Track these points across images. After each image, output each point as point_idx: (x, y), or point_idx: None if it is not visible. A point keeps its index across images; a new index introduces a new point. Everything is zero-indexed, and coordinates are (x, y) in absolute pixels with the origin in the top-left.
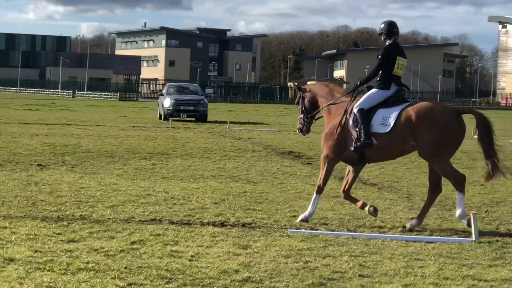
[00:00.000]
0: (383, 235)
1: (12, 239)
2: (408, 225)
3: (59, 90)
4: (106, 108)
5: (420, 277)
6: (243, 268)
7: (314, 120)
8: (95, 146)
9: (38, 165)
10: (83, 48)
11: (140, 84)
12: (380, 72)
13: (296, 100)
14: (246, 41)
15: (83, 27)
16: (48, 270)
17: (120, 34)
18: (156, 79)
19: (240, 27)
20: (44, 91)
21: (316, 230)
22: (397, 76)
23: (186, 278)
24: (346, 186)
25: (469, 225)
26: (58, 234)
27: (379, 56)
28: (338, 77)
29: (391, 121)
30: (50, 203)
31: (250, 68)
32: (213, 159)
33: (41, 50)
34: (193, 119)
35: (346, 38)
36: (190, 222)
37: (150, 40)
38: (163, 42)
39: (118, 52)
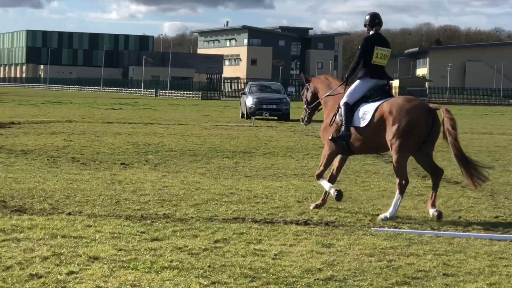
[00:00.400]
0: (467, 233)
1: (97, 238)
2: (431, 215)
3: (142, 89)
4: (189, 107)
5: (505, 276)
6: (326, 266)
7: (316, 111)
8: (178, 145)
9: (122, 164)
10: (166, 47)
11: (222, 83)
12: (362, 62)
13: (302, 91)
14: (328, 40)
15: (165, 26)
16: (132, 269)
17: (202, 33)
18: (238, 78)
19: (322, 25)
20: (127, 90)
21: (400, 228)
22: (378, 65)
23: (270, 276)
24: (333, 172)
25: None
26: (142, 232)
27: (359, 47)
28: (421, 75)
29: (369, 116)
30: (133, 202)
31: (332, 66)
32: (295, 157)
33: (124, 50)
34: (276, 117)
35: (429, 35)
36: (273, 220)
37: (232, 39)
38: (245, 40)
39: (200, 51)
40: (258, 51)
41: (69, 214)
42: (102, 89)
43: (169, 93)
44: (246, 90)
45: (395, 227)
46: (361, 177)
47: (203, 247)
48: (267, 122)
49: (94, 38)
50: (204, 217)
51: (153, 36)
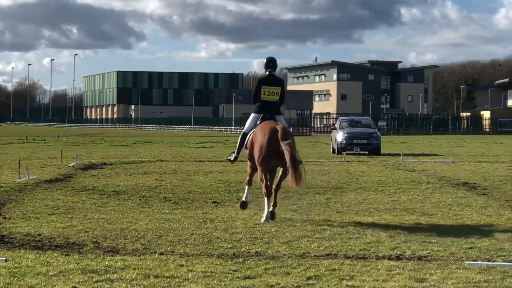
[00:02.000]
0: None
1: (189, 277)
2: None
3: (232, 127)
4: None
5: None
6: None
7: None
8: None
9: (213, 202)
10: (248, 85)
11: (312, 119)
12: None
13: None
14: (417, 73)
15: (255, 64)
16: None
17: (292, 69)
18: (328, 113)
19: (411, 58)
20: (217, 128)
21: (494, 261)
22: (267, 101)
23: None
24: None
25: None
26: (234, 271)
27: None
28: None
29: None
30: (225, 240)
31: (422, 99)
32: (387, 192)
33: (214, 88)
34: (367, 152)
35: None
36: (366, 256)
37: (322, 74)
38: (335, 76)
39: (290, 87)
40: (348, 86)
41: (162, 253)
42: (193, 127)
43: None
44: (337, 125)
45: (489, 260)
46: (453, 210)
47: (296, 284)
48: (358, 157)
49: (184, 77)
50: (296, 254)
51: (242, 74)
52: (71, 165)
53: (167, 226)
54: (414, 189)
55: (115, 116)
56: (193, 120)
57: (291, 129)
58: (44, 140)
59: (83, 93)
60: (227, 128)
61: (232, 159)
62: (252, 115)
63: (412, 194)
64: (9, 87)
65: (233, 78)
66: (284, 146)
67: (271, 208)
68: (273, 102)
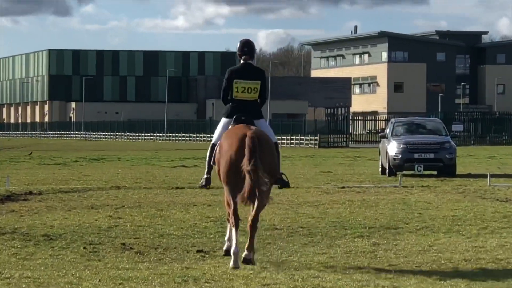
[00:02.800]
0: None
1: None
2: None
3: None
4: (300, 159)
5: None
6: None
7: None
8: (284, 219)
9: (198, 251)
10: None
11: (350, 121)
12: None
13: None
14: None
15: (261, 37)
16: None
17: (318, 45)
18: (375, 113)
19: (502, 27)
20: (204, 136)
21: None
22: (242, 101)
23: None
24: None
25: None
26: None
27: None
28: None
29: None
30: None
31: None
32: (466, 234)
33: (198, 75)
34: (434, 172)
35: None
36: None
37: (365, 53)
38: (384, 55)
39: (315, 73)
40: (405, 71)
41: None
42: (166, 136)
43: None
44: (388, 131)
45: None
46: None
47: None
48: (421, 180)
49: (152, 59)
50: None
51: None
52: None
53: None
54: (509, 229)
55: (46, 119)
56: (166, 124)
57: (317, 138)
58: None
59: None
60: None
61: (204, 183)
62: (222, 120)
63: (505, 237)
64: None
65: (227, 60)
66: (245, 170)
67: (245, 252)
68: (250, 102)
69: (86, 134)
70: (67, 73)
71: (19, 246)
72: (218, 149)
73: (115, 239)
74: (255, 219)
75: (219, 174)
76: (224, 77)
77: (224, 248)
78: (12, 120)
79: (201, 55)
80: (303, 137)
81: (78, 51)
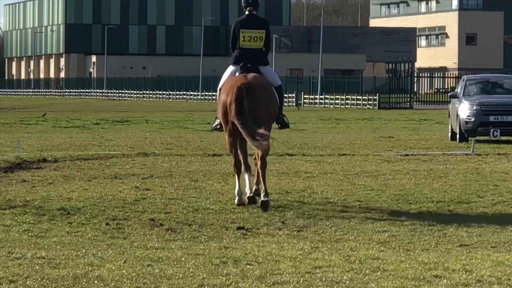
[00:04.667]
0: None
1: None
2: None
3: None
4: (357, 122)
5: None
6: None
7: None
8: (339, 191)
9: (238, 228)
10: (313, 18)
11: (415, 79)
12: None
13: None
14: None
15: None
16: None
17: None
18: (443, 69)
19: None
20: None
21: None
22: (247, 49)
23: None
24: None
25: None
26: None
27: None
28: None
29: None
30: None
31: None
32: None
33: None
34: None
35: None
36: None
37: None
38: (455, 1)
39: (374, 22)
40: (478, 20)
41: None
42: (201, 95)
43: (320, 98)
44: (459, 90)
45: None
46: None
47: None
48: (497, 147)
49: (185, 5)
50: None
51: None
52: None
53: (156, 271)
54: None
55: (62, 75)
56: (201, 81)
57: (376, 98)
58: None
59: (4, 35)
60: None
61: (218, 126)
62: (230, 67)
63: None
64: None
65: (273, 7)
66: (233, 120)
67: (262, 196)
68: (256, 50)
69: (108, 92)
70: (86, 21)
71: (31, 221)
72: (218, 96)
73: (142, 214)
74: (264, 161)
75: (223, 124)
76: (231, 27)
77: (242, 190)
78: (22, 76)
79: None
80: (360, 97)
81: None
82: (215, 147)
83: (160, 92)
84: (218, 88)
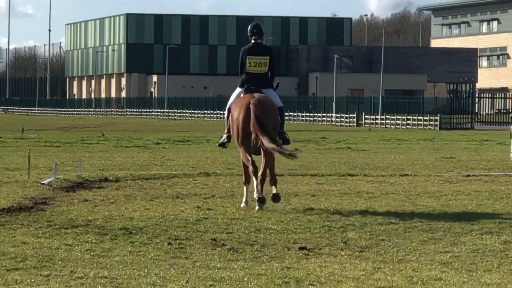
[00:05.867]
0: None
1: None
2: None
3: (333, 114)
4: (418, 143)
5: None
6: None
7: None
8: (401, 212)
9: (300, 248)
10: (373, 38)
11: (476, 100)
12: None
13: None
14: None
15: (371, 2)
16: None
17: (438, 10)
18: (505, 90)
19: None
20: (306, 115)
21: None
22: (254, 73)
23: None
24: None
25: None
26: None
27: None
28: None
29: None
30: None
31: None
32: None
33: (299, 44)
34: None
35: None
36: None
37: (493, 19)
38: None
39: (435, 42)
40: None
41: None
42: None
43: (380, 119)
44: None
45: None
46: None
47: None
48: None
49: (246, 25)
50: None
51: (350, 19)
52: (45, 182)
53: None
54: None
55: (123, 94)
56: None
57: (437, 119)
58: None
59: (65, 54)
60: (325, 116)
61: (225, 140)
62: (237, 89)
63: None
64: None
65: (334, 27)
66: (254, 132)
67: (273, 191)
68: (261, 74)
69: (169, 112)
70: (147, 41)
71: (93, 241)
72: (230, 116)
73: (204, 234)
74: (264, 175)
75: (235, 139)
76: (239, 55)
77: (258, 195)
78: (83, 96)
79: (303, 21)
80: (421, 117)
81: (160, 16)
82: (276, 167)
83: (221, 112)
84: (227, 108)
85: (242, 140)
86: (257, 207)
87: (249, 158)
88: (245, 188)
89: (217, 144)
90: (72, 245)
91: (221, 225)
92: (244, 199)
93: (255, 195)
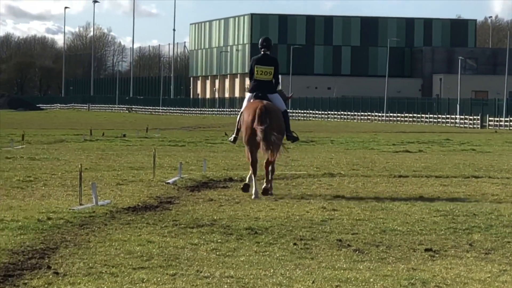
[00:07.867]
0: None
1: None
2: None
3: (457, 115)
4: None
5: None
6: None
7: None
8: None
9: (426, 250)
10: (498, 40)
11: None
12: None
13: None
14: None
15: (496, 4)
16: None
17: None
18: None
19: None
20: (430, 116)
21: None
22: (260, 81)
23: None
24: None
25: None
26: None
27: None
28: None
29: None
30: None
31: None
32: None
33: (423, 45)
34: None
35: None
36: None
37: None
38: None
39: None
40: None
41: None
42: (386, 116)
43: (504, 121)
44: None
45: None
46: None
47: None
48: None
49: (370, 26)
50: None
51: (475, 21)
52: (170, 181)
53: None
54: None
55: (237, 93)
56: (386, 102)
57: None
58: (124, 136)
59: (189, 54)
60: (449, 117)
61: (232, 139)
62: (247, 94)
63: None
64: (60, 41)
65: (459, 29)
66: (256, 128)
67: (264, 185)
68: (267, 81)
69: (293, 112)
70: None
71: (219, 240)
72: (241, 118)
73: (329, 234)
74: (268, 162)
75: (243, 138)
76: (250, 63)
77: (246, 182)
78: (207, 95)
79: (428, 22)
80: None
81: (285, 16)
82: (401, 168)
83: (345, 113)
84: (241, 112)
85: (248, 139)
86: (253, 196)
87: (251, 157)
88: (253, 179)
89: (228, 140)
90: (198, 245)
91: (346, 225)
92: (253, 190)
93: (254, 190)
